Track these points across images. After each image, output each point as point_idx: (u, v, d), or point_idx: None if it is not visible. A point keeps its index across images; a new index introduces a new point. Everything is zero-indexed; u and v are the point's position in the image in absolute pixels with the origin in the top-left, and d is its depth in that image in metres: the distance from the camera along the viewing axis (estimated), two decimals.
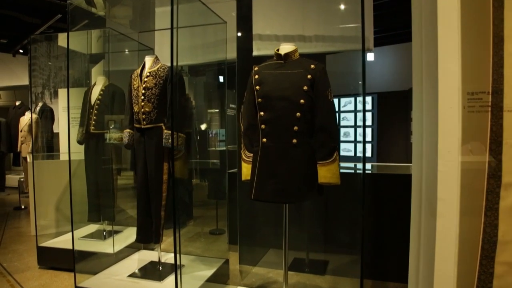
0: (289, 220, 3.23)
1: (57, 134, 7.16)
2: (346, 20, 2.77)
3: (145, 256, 3.35)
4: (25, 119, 6.46)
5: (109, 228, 3.88)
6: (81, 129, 3.80)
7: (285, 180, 2.09)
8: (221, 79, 4.08)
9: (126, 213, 4.62)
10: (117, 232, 3.89)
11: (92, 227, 4.10)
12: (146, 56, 2.89)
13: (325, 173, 2.09)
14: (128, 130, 2.89)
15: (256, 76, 2.18)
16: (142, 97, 2.75)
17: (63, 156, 6.18)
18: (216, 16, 3.03)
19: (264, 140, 2.12)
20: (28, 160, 5.10)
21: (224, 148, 6.14)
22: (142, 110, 2.75)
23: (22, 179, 6.82)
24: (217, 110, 5.51)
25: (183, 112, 2.83)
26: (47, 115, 7.08)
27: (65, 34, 4.69)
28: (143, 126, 2.78)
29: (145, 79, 2.76)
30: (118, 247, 3.39)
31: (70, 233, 3.97)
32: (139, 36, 3.72)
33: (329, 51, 2.76)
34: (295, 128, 2.08)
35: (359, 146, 6.65)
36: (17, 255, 3.86)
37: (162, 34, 3.59)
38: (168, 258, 3.24)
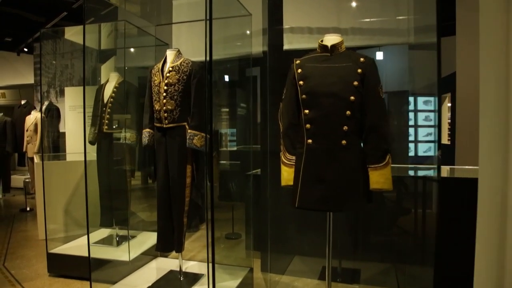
0: (315, 224, 2.95)
1: (64, 133, 6.87)
2: (386, 12, 2.50)
3: (163, 264, 3.07)
4: (31, 118, 6.16)
5: (121, 232, 3.60)
6: (93, 129, 3.51)
7: (334, 186, 1.81)
8: (240, 75, 3.80)
9: (137, 216, 4.34)
10: (130, 237, 3.60)
11: (104, 232, 3.82)
12: (167, 50, 2.61)
13: (378, 178, 1.82)
14: (147, 129, 2.61)
15: (299, 70, 1.91)
16: (164, 94, 2.46)
17: (71, 157, 5.89)
18: (240, 8, 2.75)
19: (310, 141, 1.85)
20: (35, 160, 4.80)
21: (235, 148, 5.89)
22: (164, 108, 2.47)
23: (27, 180, 6.52)
24: (231, 109, 5.23)
25: (204, 110, 2.54)
26: (53, 114, 6.77)
27: (73, 28, 4.41)
28: (164, 126, 2.49)
29: (167, 74, 2.48)
30: (133, 254, 3.11)
31: (81, 239, 3.70)
32: (156, 30, 3.43)
33: (368, 45, 2.49)
34: (345, 128, 1.81)
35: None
36: (26, 261, 3.57)
37: (179, 27, 3.31)
38: (189, 266, 2.97)
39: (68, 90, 6.95)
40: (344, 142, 1.81)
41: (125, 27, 3.11)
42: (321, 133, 1.83)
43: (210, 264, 2.10)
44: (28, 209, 5.62)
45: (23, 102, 7.09)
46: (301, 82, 1.88)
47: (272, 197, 3.16)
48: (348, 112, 1.81)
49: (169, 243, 2.60)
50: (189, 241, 4.06)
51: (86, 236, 3.75)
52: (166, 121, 2.48)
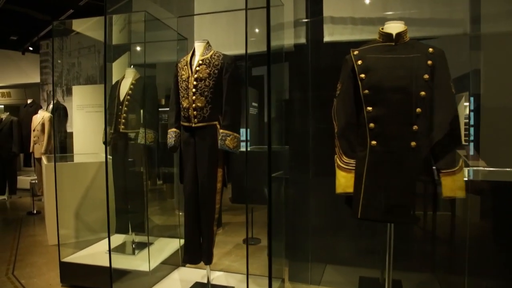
0: (347, 230, 2.68)
1: (71, 133, 6.59)
2: (437, 1, 2.23)
3: (187, 275, 2.79)
4: (38, 118, 5.87)
5: (137, 239, 3.32)
6: (107, 128, 3.23)
7: (402, 193, 1.54)
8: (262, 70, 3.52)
9: (151, 221, 4.06)
10: (146, 244, 3.32)
11: (118, 238, 3.53)
12: (195, 42, 2.33)
13: (452, 185, 1.55)
14: (174, 129, 2.33)
15: (359, 62, 1.63)
16: (194, 90, 2.19)
17: (79, 158, 5.61)
18: None
19: (374, 142, 1.57)
20: (44, 162, 4.51)
21: (248, 149, 5.59)
22: (193, 105, 2.19)
23: (34, 181, 6.24)
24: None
25: (240, 108, 2.27)
26: (60, 114, 6.49)
27: (87, 20, 4.12)
28: (193, 125, 2.22)
29: (197, 68, 2.20)
30: (153, 264, 2.83)
31: (95, 246, 3.41)
32: (178, 22, 3.14)
33: (419, 36, 2.21)
34: (414, 127, 1.54)
35: None
36: (36, 269, 3.29)
37: (202, 20, 3.03)
38: (215, 277, 2.69)
39: (75, 89, 6.66)
40: (413, 143, 1.54)
41: (145, 18, 2.82)
42: (387, 133, 1.56)
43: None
44: (34, 212, 5.32)
45: (29, 101, 6.80)
46: (362, 76, 1.60)
47: (299, 201, 2.90)
48: (418, 110, 1.54)
49: (197, 255, 2.33)
50: None
51: (99, 243, 3.48)
52: (195, 119, 2.20)
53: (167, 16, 3.06)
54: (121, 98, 3.15)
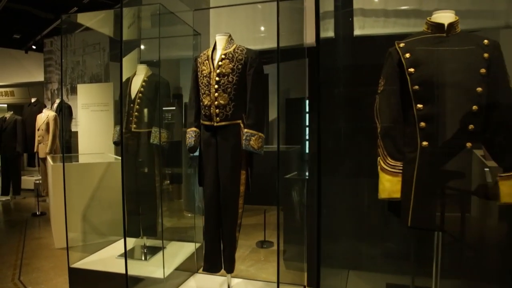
0: (370, 233, 2.52)
1: (76, 133, 6.43)
2: None
3: (204, 282, 2.63)
4: (43, 117, 5.70)
5: (149, 243, 3.16)
6: (118, 128, 3.07)
7: (456, 200, 1.38)
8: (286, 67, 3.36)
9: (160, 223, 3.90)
10: (159, 248, 3.16)
11: (128, 242, 3.38)
12: (217, 35, 2.17)
13: (509, 190, 1.39)
14: (193, 128, 2.16)
15: (407, 55, 1.47)
16: (216, 86, 2.02)
17: (84, 158, 5.45)
18: None
19: (425, 143, 1.41)
20: (50, 162, 4.35)
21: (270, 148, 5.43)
22: (215, 103, 2.03)
23: (38, 181, 6.08)
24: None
25: (264, 106, 2.11)
26: (64, 113, 6.33)
27: (97, 14, 3.94)
28: (215, 124, 2.06)
29: (220, 63, 2.04)
30: (167, 270, 2.67)
31: (104, 250, 3.24)
32: (188, 16, 2.97)
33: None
34: (470, 126, 1.38)
35: None
36: (43, 274, 3.12)
37: (218, 13, 2.87)
38: (234, 285, 2.53)
39: (80, 88, 6.49)
40: (469, 144, 1.38)
41: (160, 11, 2.66)
42: (441, 133, 1.40)
43: None
44: (38, 213, 5.15)
45: (33, 100, 6.63)
46: (411, 70, 1.44)
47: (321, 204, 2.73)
48: (474, 107, 1.37)
49: (218, 262, 2.17)
50: None
51: (109, 247, 3.31)
52: (218, 118, 2.04)
53: (182, 9, 2.89)
54: (133, 96, 2.98)
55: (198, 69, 2.13)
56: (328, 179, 2.62)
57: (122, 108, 2.35)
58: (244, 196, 2.13)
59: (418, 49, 1.47)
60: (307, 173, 2.98)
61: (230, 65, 2.03)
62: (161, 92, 2.98)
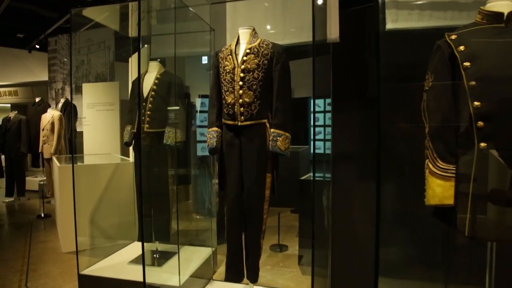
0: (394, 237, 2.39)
1: (81, 133, 6.28)
2: None
3: None
4: (47, 116, 5.56)
5: (161, 247, 3.02)
6: (129, 128, 2.92)
7: None
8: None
9: (173, 228, 3.75)
10: (172, 253, 3.01)
11: (137, 246, 3.23)
12: (240, 29, 2.03)
13: None
14: (215, 128, 2.01)
15: (462, 48, 1.32)
16: (241, 83, 1.88)
17: (90, 158, 5.31)
18: None
19: (483, 144, 1.27)
20: (57, 163, 4.20)
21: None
22: (240, 100, 1.88)
23: (43, 182, 5.93)
24: None
25: (292, 104, 1.97)
26: (70, 112, 6.18)
27: (97, 11, 3.78)
28: (239, 123, 1.91)
29: (244, 58, 1.89)
30: (182, 277, 2.52)
31: (115, 255, 3.07)
32: (202, 10, 2.83)
33: None
34: None
35: None
36: (51, 280, 2.98)
37: (235, 7, 2.72)
38: None
39: (85, 87, 6.35)
40: None
41: (175, 5, 2.51)
42: (501, 133, 1.25)
43: None
44: (43, 215, 4.99)
45: (37, 99, 6.48)
46: (467, 64, 1.29)
47: (345, 207, 2.59)
48: None
49: (241, 271, 2.02)
50: None
51: (119, 252, 3.15)
52: (242, 117, 1.90)
53: (198, 2, 2.74)
54: (145, 94, 2.84)
55: (220, 65, 1.98)
56: (352, 181, 2.49)
57: (140, 107, 2.20)
58: (269, 201, 1.99)
59: (473, 41, 1.32)
60: (327, 175, 2.84)
61: (256, 60, 1.88)
62: (173, 90, 2.84)
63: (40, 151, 5.61)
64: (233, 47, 1.95)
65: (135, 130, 2.84)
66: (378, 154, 1.34)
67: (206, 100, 4.04)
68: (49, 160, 5.52)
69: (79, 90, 7.01)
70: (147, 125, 2.79)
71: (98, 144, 5.82)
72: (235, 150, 1.94)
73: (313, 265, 1.73)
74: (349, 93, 2.29)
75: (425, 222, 2.01)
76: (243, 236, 2.02)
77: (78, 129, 6.27)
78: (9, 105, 8.18)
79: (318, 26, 2.62)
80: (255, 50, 1.90)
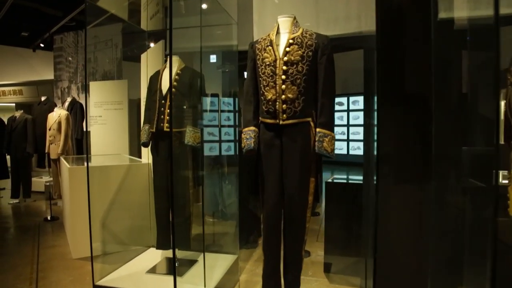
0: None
1: (88, 133, 6.05)
2: None
3: None
4: (54, 116, 5.33)
5: (180, 255, 2.80)
6: (146, 127, 2.70)
7: None
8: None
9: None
10: (192, 261, 2.80)
11: (154, 254, 3.01)
12: (278, 17, 1.81)
13: None
14: (252, 128, 1.80)
15: None
16: (284, 77, 1.66)
17: (98, 160, 5.09)
18: None
19: None
20: (66, 164, 3.97)
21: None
22: (283, 96, 1.67)
23: (49, 183, 5.70)
24: None
25: (334, 101, 1.75)
26: (76, 111, 5.96)
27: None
28: (281, 122, 1.69)
29: (287, 49, 1.67)
30: None
31: (131, 264, 2.85)
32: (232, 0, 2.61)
33: None
34: None
35: None
36: None
37: None
38: None
39: (93, 85, 6.12)
40: None
41: None
42: None
43: None
44: (48, 218, 4.74)
45: (43, 98, 6.26)
46: None
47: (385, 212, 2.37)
48: None
49: (279, 286, 1.80)
50: (252, 261, 3.26)
51: (135, 260, 2.92)
52: (284, 115, 1.68)
53: None
54: (164, 91, 2.62)
55: (258, 57, 1.76)
56: (399, 185, 2.26)
57: (171, 105, 1.97)
58: (312, 208, 1.77)
59: None
60: (360, 178, 2.62)
61: (299, 51, 1.66)
62: (197, 87, 2.62)
63: (46, 151, 5.38)
64: (273, 37, 1.73)
65: (154, 130, 2.62)
66: (427, 156, 1.12)
67: (215, 100, 3.82)
68: (56, 161, 5.30)
69: (86, 89, 6.78)
70: (166, 124, 2.57)
71: (106, 144, 5.61)
72: (275, 152, 1.72)
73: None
74: (396, 90, 2.07)
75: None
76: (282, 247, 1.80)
77: (85, 129, 6.05)
78: (14, 104, 7.95)
79: (353, 18, 2.39)
80: (299, 40, 1.68)
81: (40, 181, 6.34)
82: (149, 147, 2.74)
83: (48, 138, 5.31)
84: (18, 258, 3.37)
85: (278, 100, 1.67)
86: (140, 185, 3.43)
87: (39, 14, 7.98)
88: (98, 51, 6.67)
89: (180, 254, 2.80)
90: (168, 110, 2.57)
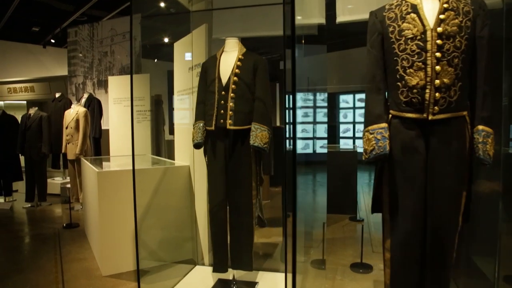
0: None
1: (106, 131, 5.59)
2: None
3: None
4: (71, 113, 4.85)
5: (238, 275, 2.33)
6: (200, 125, 2.23)
7: None
8: None
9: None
10: (250, 283, 2.33)
11: (204, 273, 2.55)
12: None
13: None
14: (382, 125, 1.32)
15: None
16: (438, 55, 1.19)
17: (121, 161, 4.62)
18: None
19: None
20: (93, 168, 3.49)
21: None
22: (436, 82, 1.19)
23: (65, 186, 5.23)
24: None
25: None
26: (94, 108, 5.49)
27: None
28: (431, 117, 1.22)
29: (441, 17, 1.20)
30: None
31: (181, 286, 2.42)
32: None
33: None
34: None
35: None
36: None
37: None
38: None
39: (111, 80, 5.65)
40: None
41: None
42: None
43: None
44: (64, 225, 4.23)
45: (57, 95, 5.78)
46: None
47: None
48: None
49: None
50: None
51: (184, 281, 2.48)
52: (436, 107, 1.20)
53: None
54: (224, 80, 2.14)
55: (390, 29, 1.29)
56: None
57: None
58: (460, 231, 1.30)
59: None
60: None
61: (456, 20, 1.19)
62: (264, 75, 2.15)
63: (63, 151, 4.90)
64: (417, 0, 1.26)
65: (212, 128, 2.15)
66: None
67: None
68: (73, 162, 4.82)
69: (102, 84, 6.31)
70: (229, 121, 2.10)
71: (127, 143, 5.13)
72: (418, 158, 1.25)
73: None
74: None
75: None
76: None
77: (103, 127, 5.58)
78: (25, 102, 7.47)
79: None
80: (454, 4, 1.21)
81: (54, 183, 5.86)
82: (202, 148, 2.27)
83: (65, 137, 4.83)
84: (40, 276, 2.89)
85: (428, 87, 1.20)
86: (181, 192, 2.96)
87: (50, 9, 7.54)
88: (115, 44, 6.19)
89: (237, 274, 2.34)
90: (231, 104, 2.09)
